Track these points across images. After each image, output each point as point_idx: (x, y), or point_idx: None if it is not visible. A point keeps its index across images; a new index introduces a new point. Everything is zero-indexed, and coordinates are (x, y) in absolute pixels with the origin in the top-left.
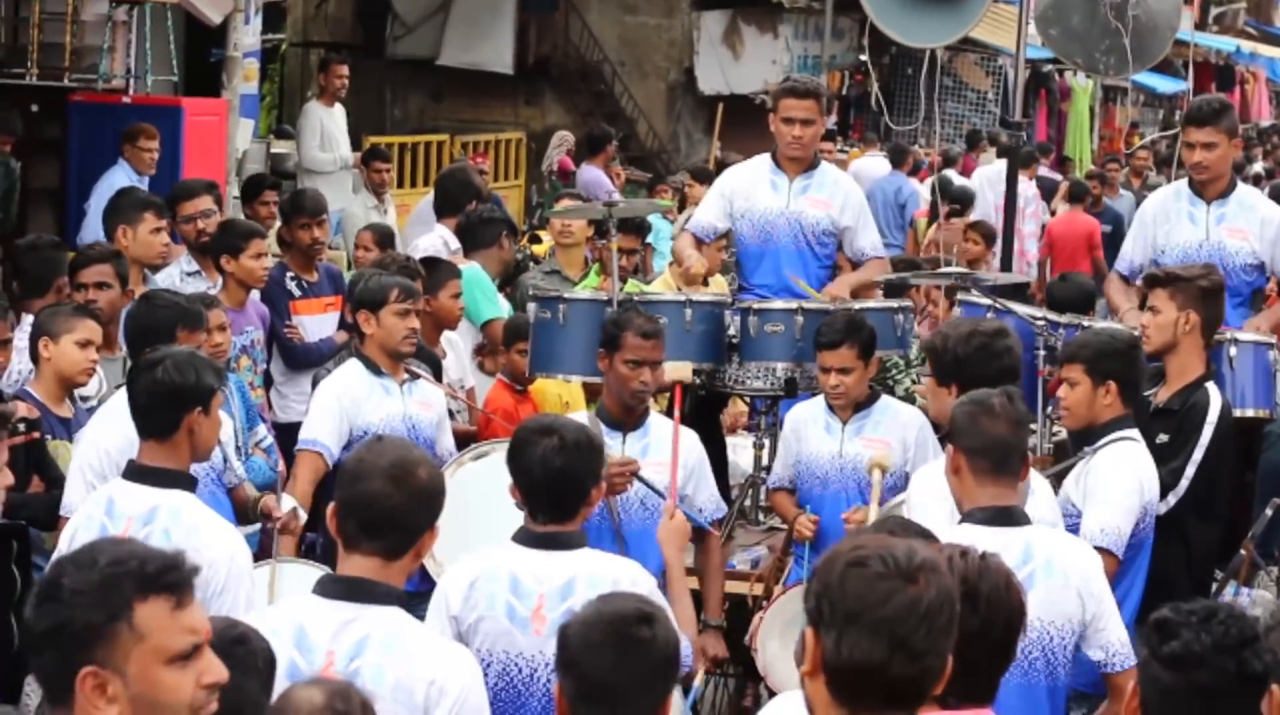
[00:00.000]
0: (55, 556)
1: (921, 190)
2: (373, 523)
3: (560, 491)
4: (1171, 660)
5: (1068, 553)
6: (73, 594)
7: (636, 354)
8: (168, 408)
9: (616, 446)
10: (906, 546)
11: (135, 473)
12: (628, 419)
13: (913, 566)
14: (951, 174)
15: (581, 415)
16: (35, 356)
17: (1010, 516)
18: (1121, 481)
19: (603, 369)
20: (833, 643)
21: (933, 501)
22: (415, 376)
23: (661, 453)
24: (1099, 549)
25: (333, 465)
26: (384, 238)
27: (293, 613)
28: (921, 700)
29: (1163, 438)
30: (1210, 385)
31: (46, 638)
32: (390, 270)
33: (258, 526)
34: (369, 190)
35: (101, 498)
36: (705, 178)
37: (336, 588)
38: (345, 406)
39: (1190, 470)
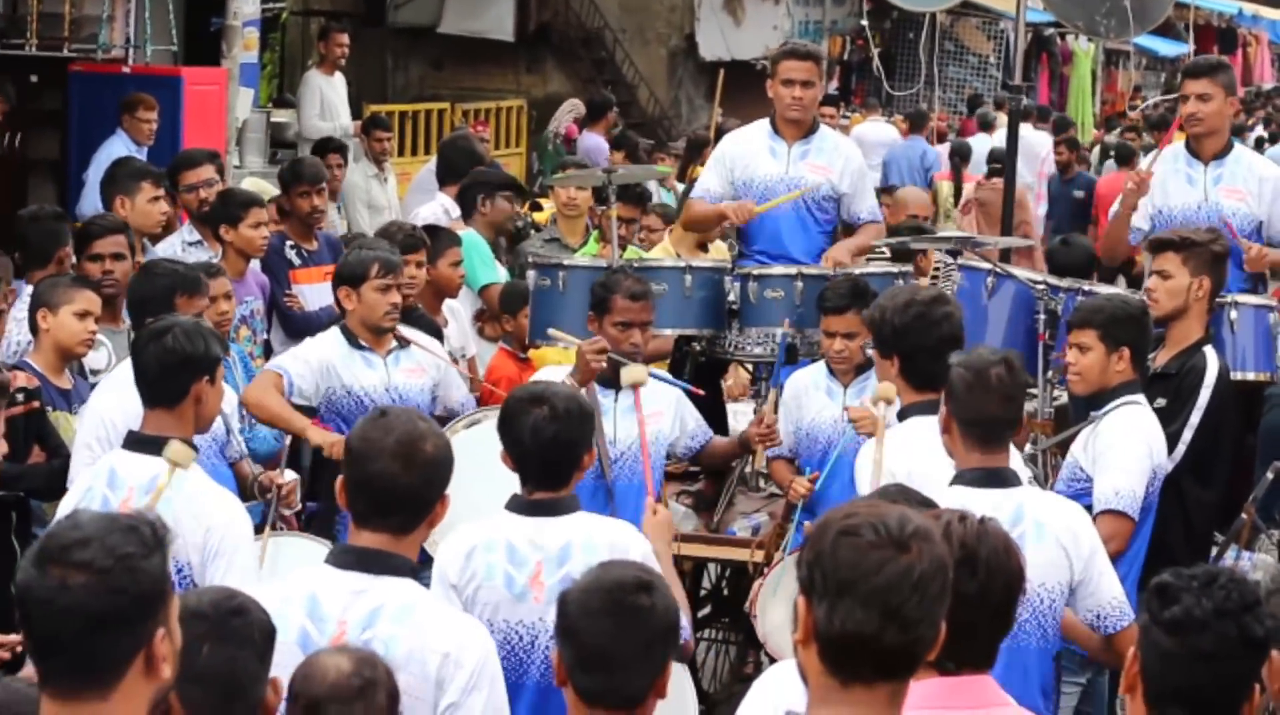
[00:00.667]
0: (56, 531)
1: (944, 154)
2: (384, 502)
3: (553, 459)
4: (1172, 625)
5: (1057, 514)
6: (134, 558)
7: (625, 316)
8: (177, 376)
9: (608, 404)
10: (899, 514)
11: (137, 442)
12: (617, 378)
13: (905, 535)
14: (982, 137)
15: (566, 369)
16: (34, 327)
17: (1001, 478)
18: (1132, 445)
19: (592, 331)
20: (825, 612)
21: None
22: (405, 343)
23: (651, 405)
24: (1115, 512)
25: (319, 416)
26: None
27: (306, 582)
28: (914, 668)
29: (1161, 402)
30: (1208, 348)
31: (113, 612)
32: (395, 239)
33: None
34: (369, 159)
35: (102, 469)
36: (700, 148)
37: (349, 558)
38: (326, 364)
39: (1188, 434)
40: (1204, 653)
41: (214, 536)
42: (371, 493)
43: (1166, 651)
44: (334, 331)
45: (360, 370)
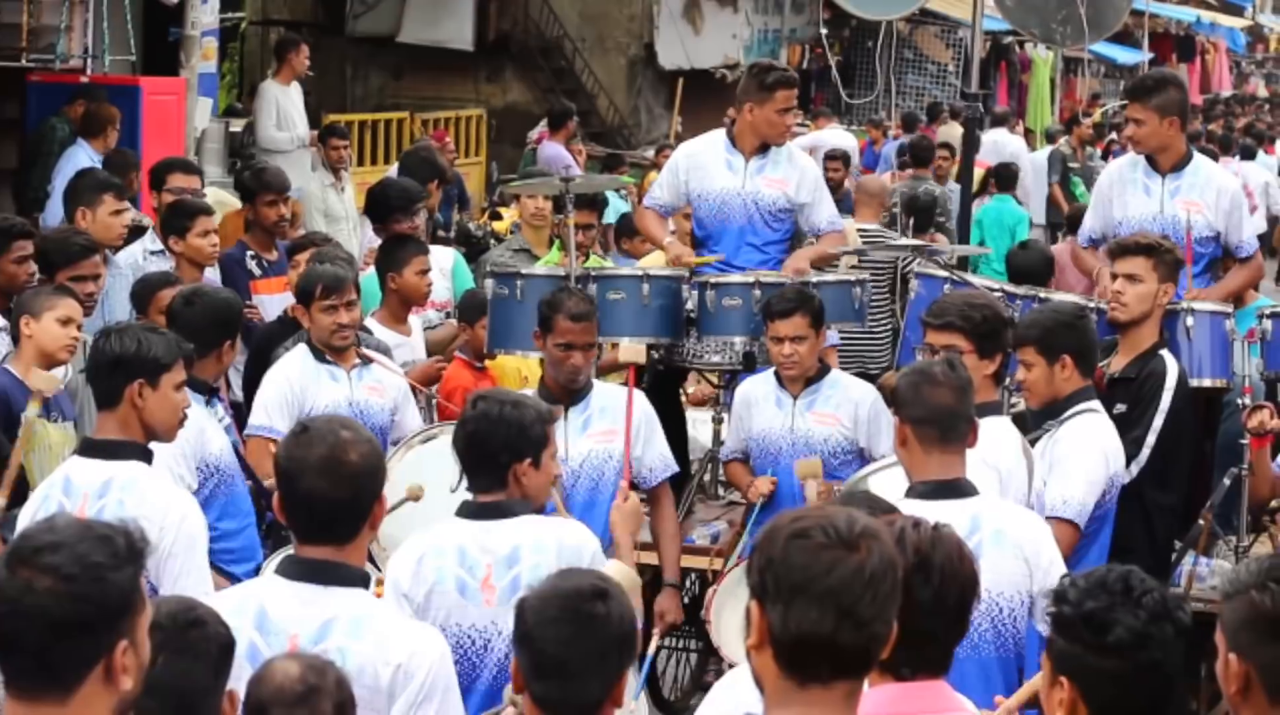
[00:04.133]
0: (31, 532)
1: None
2: (319, 519)
3: (475, 458)
4: (1118, 647)
5: (1017, 523)
6: (102, 569)
7: (566, 337)
8: (108, 377)
9: (559, 424)
10: (846, 515)
11: (89, 448)
12: (565, 396)
13: (854, 534)
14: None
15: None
16: (16, 336)
17: (955, 489)
18: (1088, 453)
19: (539, 348)
20: (779, 615)
21: None
22: (368, 361)
23: (604, 422)
24: (1061, 519)
25: None
26: None
27: (254, 594)
28: (869, 667)
29: (1121, 408)
30: (1165, 353)
31: (74, 619)
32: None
33: None
34: (326, 168)
35: (59, 477)
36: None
37: (299, 569)
38: (295, 390)
39: (1151, 438)
40: (1154, 662)
41: (167, 537)
42: (307, 510)
43: (1117, 675)
44: (300, 348)
45: (325, 385)
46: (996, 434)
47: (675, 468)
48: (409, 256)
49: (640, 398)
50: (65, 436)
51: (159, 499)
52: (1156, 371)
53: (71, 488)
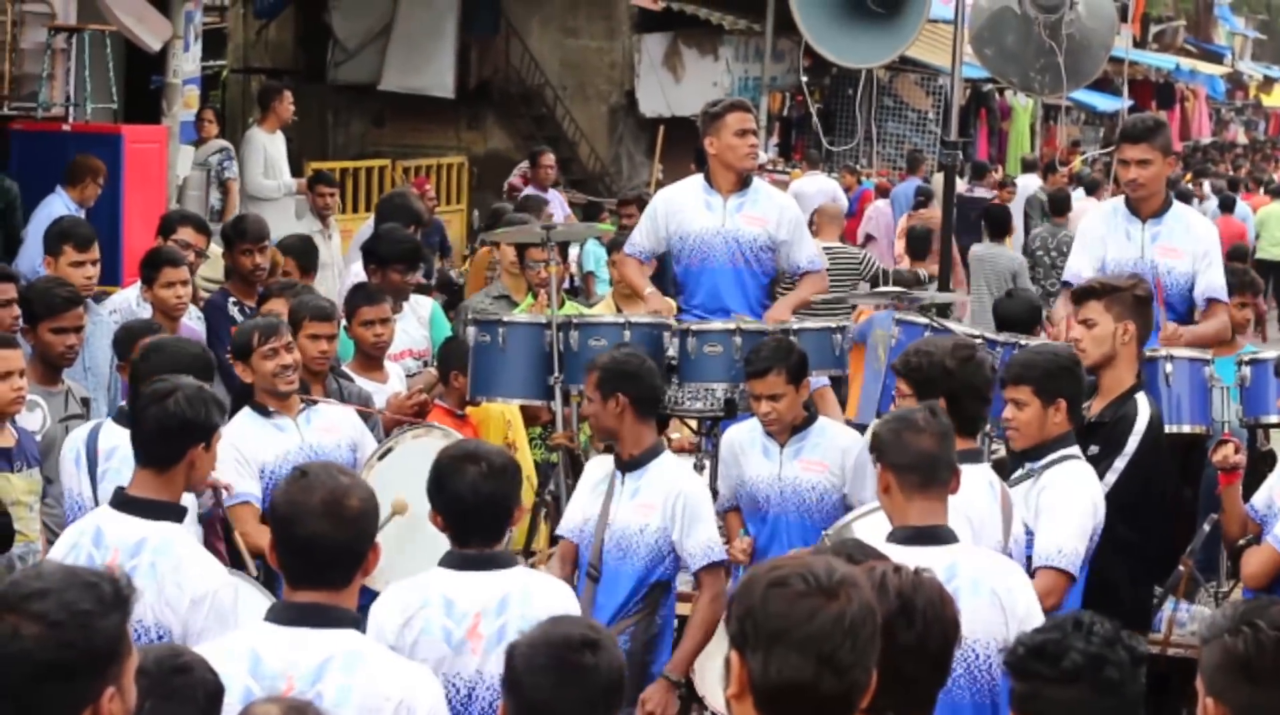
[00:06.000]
0: (19, 578)
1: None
2: (319, 563)
3: (491, 515)
4: (1074, 673)
5: (994, 571)
6: (89, 616)
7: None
8: (174, 441)
9: (617, 487)
10: (825, 563)
11: (124, 502)
12: (631, 461)
13: (833, 582)
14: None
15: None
16: None
17: (934, 535)
18: (1076, 502)
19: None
20: (759, 664)
21: None
22: (313, 402)
23: (649, 496)
24: (1055, 569)
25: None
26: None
27: (246, 640)
28: None
29: (1094, 450)
30: (1140, 395)
31: (60, 666)
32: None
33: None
34: (313, 215)
35: (89, 526)
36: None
37: (291, 614)
38: (244, 453)
39: (1111, 477)
40: (1112, 683)
41: (200, 611)
42: (306, 555)
43: (1080, 703)
44: (244, 411)
45: (272, 439)
46: (971, 481)
47: (721, 556)
48: (354, 308)
49: (691, 481)
50: (30, 484)
51: (192, 568)
52: (1128, 415)
53: (102, 540)
